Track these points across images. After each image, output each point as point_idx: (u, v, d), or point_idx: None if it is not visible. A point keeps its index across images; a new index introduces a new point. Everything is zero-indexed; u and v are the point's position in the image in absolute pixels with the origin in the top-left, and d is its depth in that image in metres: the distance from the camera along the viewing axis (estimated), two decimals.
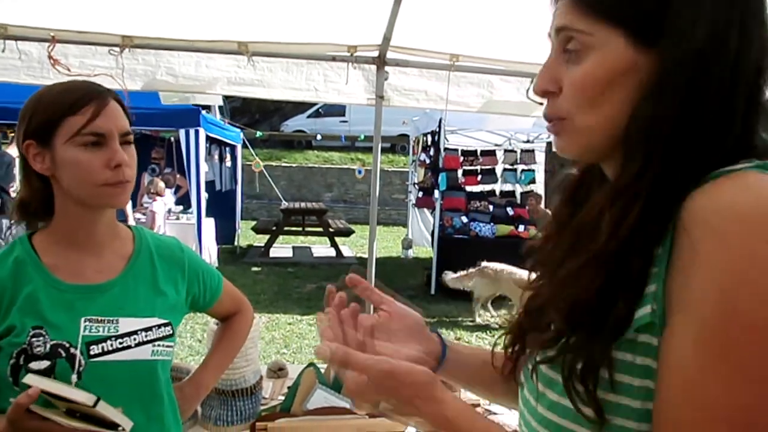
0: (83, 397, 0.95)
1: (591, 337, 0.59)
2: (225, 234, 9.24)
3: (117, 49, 2.55)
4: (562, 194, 0.76)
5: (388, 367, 0.63)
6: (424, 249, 9.77)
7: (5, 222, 5.50)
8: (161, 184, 7.46)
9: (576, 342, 0.60)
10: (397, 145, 15.98)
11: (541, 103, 0.68)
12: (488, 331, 5.92)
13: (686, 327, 0.53)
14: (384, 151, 14.40)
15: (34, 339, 1.07)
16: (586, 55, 0.60)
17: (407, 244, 9.80)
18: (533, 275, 0.77)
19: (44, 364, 1.07)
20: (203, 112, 6.98)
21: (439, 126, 7.70)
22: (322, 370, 2.08)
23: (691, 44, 0.56)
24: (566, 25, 0.61)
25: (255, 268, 8.51)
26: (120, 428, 0.99)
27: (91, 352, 1.11)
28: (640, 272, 0.57)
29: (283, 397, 2.14)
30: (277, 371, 2.54)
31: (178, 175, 8.55)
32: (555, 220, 0.75)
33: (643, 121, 0.58)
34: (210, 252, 7.63)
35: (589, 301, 0.59)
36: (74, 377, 1.08)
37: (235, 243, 9.89)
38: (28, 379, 1.00)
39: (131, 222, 6.08)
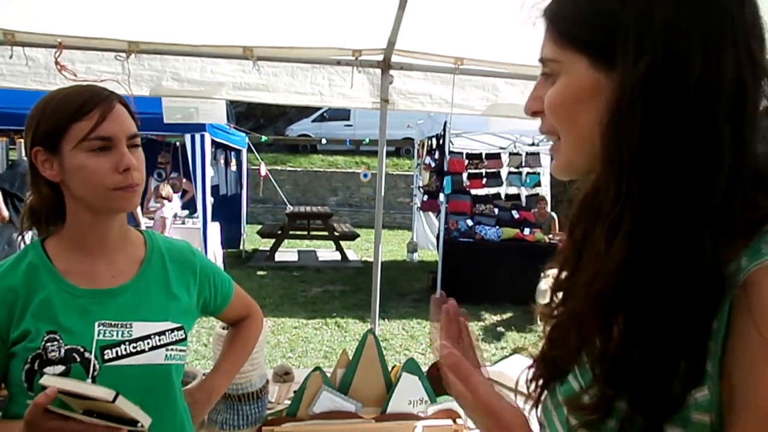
0: (102, 393, 0.94)
1: (639, 409, 0.57)
2: (230, 238, 9.26)
3: (123, 54, 2.57)
4: (576, 212, 0.74)
5: (489, 397, 0.70)
6: (430, 252, 9.76)
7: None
8: (169, 189, 7.47)
9: (624, 413, 0.58)
10: (401, 148, 16.00)
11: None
12: (494, 336, 5.91)
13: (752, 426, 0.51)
14: (389, 154, 14.42)
15: (48, 344, 1.08)
16: (557, 78, 0.65)
17: (412, 248, 9.80)
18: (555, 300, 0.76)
19: (59, 368, 1.07)
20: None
21: (444, 129, 7.70)
22: (328, 374, 2.08)
23: (640, 66, 0.57)
24: (543, 57, 0.67)
25: (260, 272, 8.53)
26: (139, 425, 0.98)
27: (106, 357, 1.11)
28: (699, 344, 0.55)
29: (289, 402, 2.14)
30: (283, 375, 2.54)
31: (184, 180, 8.58)
32: (571, 242, 0.74)
33: (608, 143, 0.59)
34: (216, 256, 7.65)
35: (634, 367, 0.57)
36: (89, 382, 1.09)
37: (241, 247, 9.91)
38: (45, 379, 0.99)
39: (142, 227, 6.07)
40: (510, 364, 2.75)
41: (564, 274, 0.73)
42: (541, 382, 0.75)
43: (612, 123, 0.59)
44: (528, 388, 0.77)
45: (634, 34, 0.57)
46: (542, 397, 0.74)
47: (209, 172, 7.26)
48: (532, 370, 0.76)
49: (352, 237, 10.04)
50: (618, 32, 0.58)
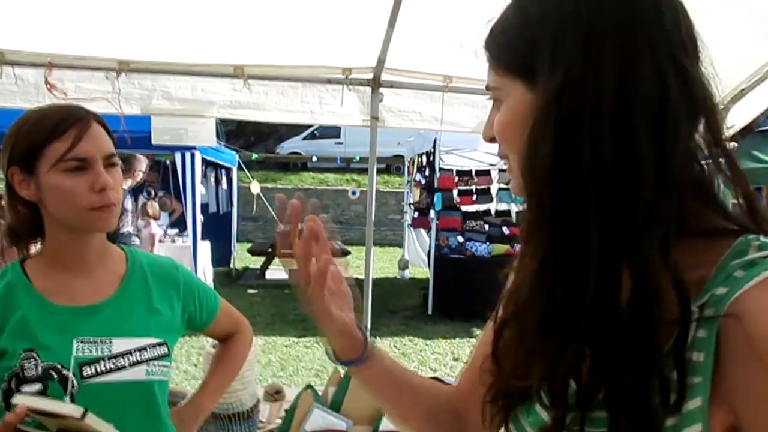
0: (71, 410, 0.94)
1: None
2: (221, 256, 9.21)
3: (113, 73, 2.58)
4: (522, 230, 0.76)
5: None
6: (421, 269, 9.75)
7: None
8: (156, 207, 7.42)
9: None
10: (392, 165, 16.04)
11: None
12: None
13: None
14: (379, 171, 14.45)
15: (25, 362, 1.07)
16: (501, 104, 0.67)
17: (403, 265, 9.78)
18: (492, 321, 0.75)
19: (36, 387, 1.06)
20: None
21: (434, 146, 7.75)
22: (320, 392, 2.06)
23: (552, 81, 0.58)
24: (488, 85, 0.70)
25: (251, 291, 8.47)
26: None
27: (84, 374, 1.10)
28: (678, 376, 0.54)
29: (280, 421, 2.12)
30: (274, 394, 2.52)
31: (174, 199, 8.54)
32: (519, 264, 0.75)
33: (526, 153, 0.61)
34: (206, 274, 7.60)
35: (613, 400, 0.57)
36: (67, 400, 1.07)
37: (231, 265, 9.84)
38: (17, 398, 1.00)
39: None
40: None
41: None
42: (501, 418, 0.71)
43: (529, 137, 0.60)
44: (488, 410, 0.73)
45: (548, 51, 0.59)
46: (507, 424, 0.71)
47: (199, 190, 7.24)
48: (491, 392, 0.72)
49: (343, 254, 9.99)
50: (537, 52, 0.60)
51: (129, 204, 5.96)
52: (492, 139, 0.71)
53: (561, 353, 0.58)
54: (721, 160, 0.60)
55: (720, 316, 0.53)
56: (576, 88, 0.57)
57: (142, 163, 5.66)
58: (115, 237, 5.11)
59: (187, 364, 5.16)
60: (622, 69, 0.56)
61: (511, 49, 0.64)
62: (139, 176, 5.69)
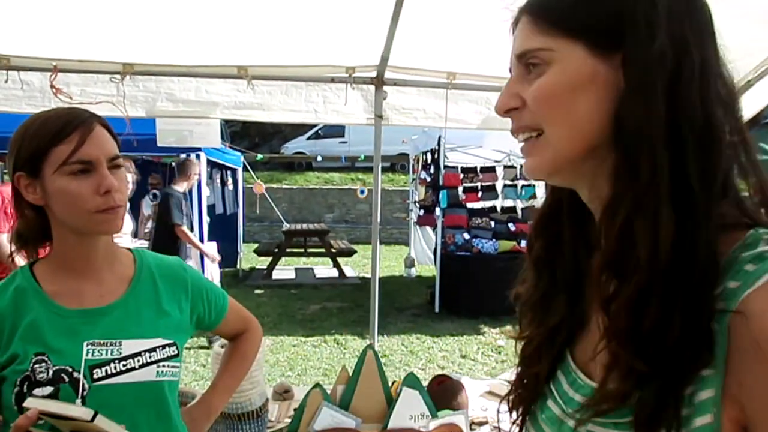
0: (81, 413, 0.95)
1: (657, 374, 0.57)
2: (227, 257, 9.22)
3: (118, 76, 2.58)
4: (533, 231, 0.78)
5: None
6: (427, 267, 9.75)
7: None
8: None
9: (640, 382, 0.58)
10: (397, 164, 16.03)
11: None
12: (494, 350, 5.88)
13: None
14: (384, 170, 14.45)
15: (36, 365, 1.07)
16: (549, 67, 0.63)
17: (410, 263, 9.78)
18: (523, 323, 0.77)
19: (47, 390, 1.07)
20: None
21: (439, 144, 7.74)
22: (328, 391, 2.07)
23: (654, 48, 0.58)
24: (528, 49, 0.64)
25: (258, 291, 8.49)
26: None
27: (95, 376, 1.10)
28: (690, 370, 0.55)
29: (289, 420, 2.13)
30: (283, 393, 2.53)
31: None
32: (531, 260, 0.76)
33: (633, 120, 0.59)
34: (213, 275, 7.60)
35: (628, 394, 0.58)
36: (78, 402, 1.08)
37: (238, 266, 9.87)
38: (28, 402, 1.00)
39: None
40: (511, 377, 2.74)
41: (529, 281, 0.75)
42: (521, 409, 0.75)
43: (630, 103, 0.59)
44: (510, 414, 0.77)
45: (644, 16, 0.59)
46: (525, 424, 0.74)
47: (205, 191, 7.25)
48: (512, 397, 0.76)
49: (349, 253, 10.02)
50: (626, 15, 0.59)
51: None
52: (508, 110, 0.67)
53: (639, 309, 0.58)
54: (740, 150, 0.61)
55: (731, 311, 0.53)
56: (674, 57, 0.58)
57: (197, 167, 5.73)
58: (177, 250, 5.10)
59: (195, 364, 5.18)
60: (702, 47, 0.60)
61: (579, 10, 0.62)
62: (194, 179, 5.76)
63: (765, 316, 0.51)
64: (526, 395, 0.75)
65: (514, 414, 0.76)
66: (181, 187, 5.56)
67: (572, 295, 0.72)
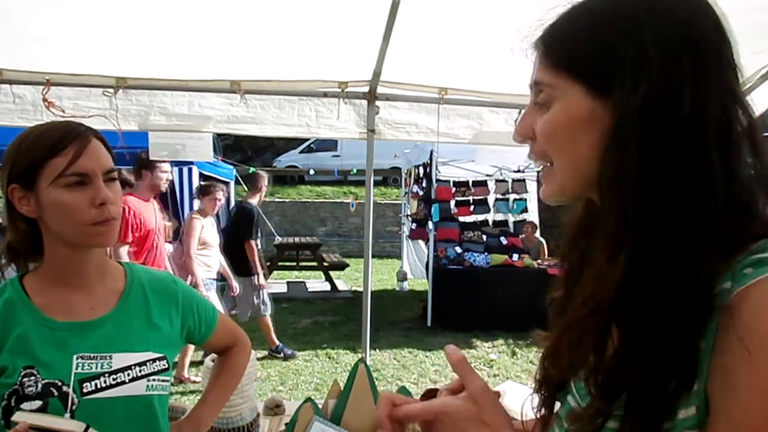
0: (72, 426, 0.94)
1: (634, 413, 0.59)
2: None
3: (111, 90, 2.59)
4: (567, 236, 0.77)
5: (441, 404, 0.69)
6: (420, 281, 9.74)
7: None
8: (166, 224, 7.27)
9: (621, 418, 0.60)
10: (389, 177, 16.07)
11: None
12: (486, 363, 5.87)
13: None
14: (376, 184, 14.49)
15: (25, 379, 1.07)
16: (552, 105, 0.65)
17: (402, 277, 9.77)
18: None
19: (36, 404, 1.06)
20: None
21: (431, 158, 7.78)
22: (320, 405, 2.06)
23: (638, 95, 0.59)
24: (536, 81, 0.67)
25: None
26: None
27: (84, 390, 1.10)
28: (691, 363, 0.56)
29: None
30: (274, 408, 2.51)
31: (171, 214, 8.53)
32: (565, 263, 0.77)
33: (609, 168, 0.61)
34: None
35: (633, 385, 0.59)
36: (67, 416, 1.07)
37: None
38: (17, 416, 1.00)
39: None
40: (503, 391, 2.74)
41: (559, 294, 0.75)
42: (545, 409, 0.76)
43: (611, 149, 0.61)
44: (536, 415, 0.78)
45: (630, 64, 0.59)
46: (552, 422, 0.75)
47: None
48: (535, 397, 0.77)
49: (342, 267, 10.00)
50: (615, 62, 0.60)
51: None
52: (526, 140, 0.70)
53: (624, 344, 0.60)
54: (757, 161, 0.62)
55: (722, 306, 0.55)
56: (660, 102, 0.58)
57: (265, 179, 5.81)
58: None
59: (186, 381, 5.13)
60: (696, 89, 0.58)
61: (579, 52, 0.63)
62: (265, 191, 5.84)
63: (753, 312, 0.53)
64: (550, 395, 0.76)
65: (540, 413, 0.77)
66: (254, 201, 5.67)
67: None
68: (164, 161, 4.30)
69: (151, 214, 4.28)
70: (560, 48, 0.65)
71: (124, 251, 3.90)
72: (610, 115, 0.61)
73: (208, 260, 4.93)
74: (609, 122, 0.61)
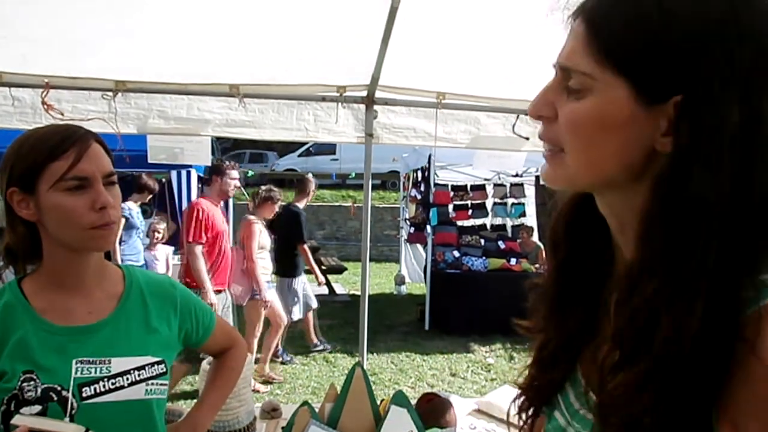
0: (71, 429, 0.95)
1: None
2: None
3: (110, 93, 2.60)
4: (554, 232, 0.73)
5: None
6: (417, 285, 9.73)
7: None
8: (162, 225, 7.23)
9: None
10: (387, 181, 16.11)
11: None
12: (483, 368, 5.87)
13: None
14: (375, 187, 14.49)
15: (24, 384, 1.07)
16: (586, 95, 0.57)
17: (400, 280, 9.77)
18: (535, 317, 0.76)
19: (35, 408, 1.06)
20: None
21: (429, 162, 7.79)
22: (317, 409, 2.06)
23: (728, 121, 0.52)
24: (570, 67, 0.58)
25: None
26: None
27: (84, 394, 1.10)
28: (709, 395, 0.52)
29: None
30: (271, 412, 2.51)
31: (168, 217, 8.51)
32: (552, 258, 0.74)
33: (693, 199, 0.53)
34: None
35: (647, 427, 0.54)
36: (66, 420, 1.07)
37: None
38: (16, 419, 1.00)
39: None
40: (500, 395, 2.74)
41: (548, 283, 0.73)
42: (531, 412, 0.75)
43: (698, 175, 0.52)
44: (519, 418, 0.77)
45: (718, 78, 0.52)
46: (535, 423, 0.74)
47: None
48: (521, 399, 0.76)
49: (340, 270, 9.99)
50: (691, 71, 0.52)
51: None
52: (540, 117, 0.62)
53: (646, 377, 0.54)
54: None
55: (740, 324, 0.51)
56: (743, 132, 0.52)
57: (312, 183, 6.04)
58: None
59: (183, 383, 5.11)
60: (751, 103, 0.52)
61: (635, 48, 0.54)
62: (312, 195, 6.06)
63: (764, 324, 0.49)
64: (538, 400, 0.74)
65: (523, 416, 0.75)
66: (301, 204, 5.85)
67: (588, 306, 0.70)
68: (233, 168, 4.54)
69: (221, 216, 4.55)
70: (612, 36, 0.55)
71: (199, 250, 4.16)
72: (660, 121, 0.54)
73: (265, 263, 5.06)
74: (657, 129, 0.55)
